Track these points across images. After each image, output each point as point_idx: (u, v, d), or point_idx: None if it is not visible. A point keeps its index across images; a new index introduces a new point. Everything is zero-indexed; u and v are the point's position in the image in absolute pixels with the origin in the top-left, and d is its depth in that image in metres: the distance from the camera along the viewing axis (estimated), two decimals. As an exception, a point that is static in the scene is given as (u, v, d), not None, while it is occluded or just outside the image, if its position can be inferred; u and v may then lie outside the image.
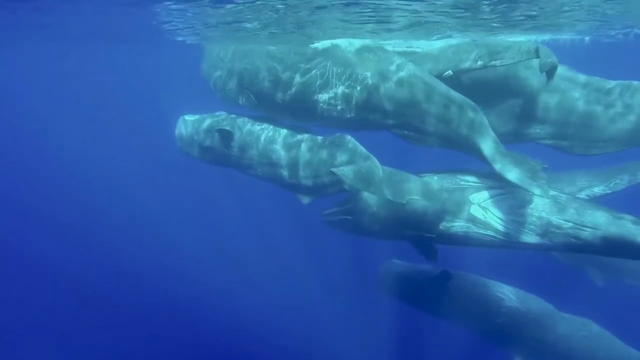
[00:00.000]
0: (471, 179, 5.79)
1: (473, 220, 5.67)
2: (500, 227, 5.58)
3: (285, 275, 13.39)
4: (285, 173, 6.38)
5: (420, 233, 5.95)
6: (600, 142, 6.18)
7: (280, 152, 6.33)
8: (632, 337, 7.42)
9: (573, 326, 7.14)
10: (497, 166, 5.47)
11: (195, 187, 16.05)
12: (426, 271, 7.53)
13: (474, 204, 5.67)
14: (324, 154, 6.07)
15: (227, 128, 6.67)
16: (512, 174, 5.36)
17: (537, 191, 5.17)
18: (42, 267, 14.84)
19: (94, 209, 17.19)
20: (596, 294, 8.19)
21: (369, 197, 6.17)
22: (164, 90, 18.44)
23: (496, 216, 5.59)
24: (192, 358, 12.68)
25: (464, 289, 7.27)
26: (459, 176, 5.85)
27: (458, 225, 5.73)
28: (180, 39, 9.50)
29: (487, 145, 5.51)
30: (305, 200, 6.39)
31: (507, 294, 7.13)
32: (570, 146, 6.31)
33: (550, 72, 5.50)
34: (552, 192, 5.52)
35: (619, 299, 8.74)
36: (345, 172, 5.62)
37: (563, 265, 8.42)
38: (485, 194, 5.68)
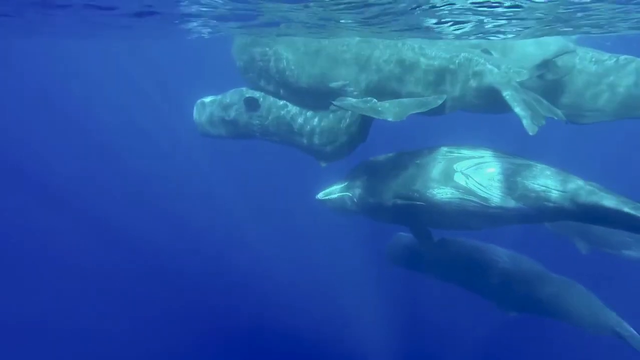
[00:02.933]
0: (457, 150, 6.41)
1: (456, 186, 6.17)
2: (480, 192, 6.03)
3: (296, 254, 14.01)
4: (305, 140, 7.17)
5: (411, 201, 6.49)
6: (592, 112, 6.68)
7: (300, 120, 7.15)
8: (609, 299, 8.25)
9: (561, 285, 7.87)
10: (507, 93, 5.98)
11: (204, 178, 16.60)
12: None
13: (457, 171, 6.22)
14: (341, 120, 6.95)
15: (254, 97, 7.38)
16: (517, 105, 5.76)
17: (526, 124, 5.52)
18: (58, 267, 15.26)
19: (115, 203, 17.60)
20: (581, 261, 9.07)
21: (363, 175, 7.01)
22: (174, 81, 18.92)
23: (477, 182, 6.08)
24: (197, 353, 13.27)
25: (461, 253, 8.00)
26: (446, 148, 6.52)
27: (442, 192, 6.23)
28: (194, 31, 9.89)
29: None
30: (323, 164, 7.24)
31: (501, 256, 7.87)
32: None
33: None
34: (529, 162, 6.01)
35: (601, 266, 9.57)
36: (347, 102, 6.35)
37: (552, 235, 9.35)
38: (468, 162, 6.22)
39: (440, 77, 6.44)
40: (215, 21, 7.95)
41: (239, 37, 7.97)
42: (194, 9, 7.15)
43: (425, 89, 6.47)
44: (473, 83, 6.39)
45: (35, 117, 21.03)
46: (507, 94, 6.01)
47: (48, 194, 17.32)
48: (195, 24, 8.61)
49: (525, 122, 5.63)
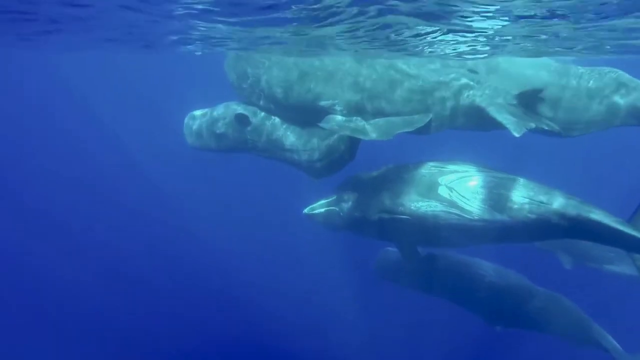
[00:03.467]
0: (442, 165, 6.50)
1: (440, 199, 6.23)
2: (463, 205, 6.10)
3: (286, 267, 14.05)
4: (295, 156, 7.21)
5: (395, 215, 6.54)
6: (581, 124, 6.84)
7: (291, 137, 7.21)
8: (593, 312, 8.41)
9: (546, 299, 7.97)
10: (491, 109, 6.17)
11: (198, 187, 16.62)
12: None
13: (441, 185, 6.30)
14: (329, 137, 7.03)
15: (244, 113, 7.39)
16: (501, 115, 6.01)
17: (512, 128, 5.73)
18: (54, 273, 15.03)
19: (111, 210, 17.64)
20: (565, 275, 9.25)
21: (352, 190, 7.07)
22: (165, 94, 19.03)
23: (460, 194, 6.15)
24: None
25: (448, 268, 8.05)
26: (431, 164, 6.61)
27: (426, 205, 6.28)
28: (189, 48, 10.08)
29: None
30: (316, 180, 7.31)
31: (488, 270, 7.97)
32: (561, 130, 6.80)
33: None
34: (513, 176, 6.11)
35: (584, 280, 9.77)
36: (333, 124, 6.48)
37: (536, 249, 9.52)
38: (452, 176, 6.31)
39: (427, 97, 6.56)
40: (209, 42, 8.05)
41: (231, 52, 8.06)
42: (190, 34, 7.33)
43: (412, 108, 6.58)
44: (459, 103, 6.54)
45: (27, 126, 21.18)
46: (491, 109, 6.21)
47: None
48: (191, 47, 8.74)
49: (511, 126, 5.81)
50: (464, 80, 6.58)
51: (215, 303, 13.91)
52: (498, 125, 6.23)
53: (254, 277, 14.32)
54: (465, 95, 6.51)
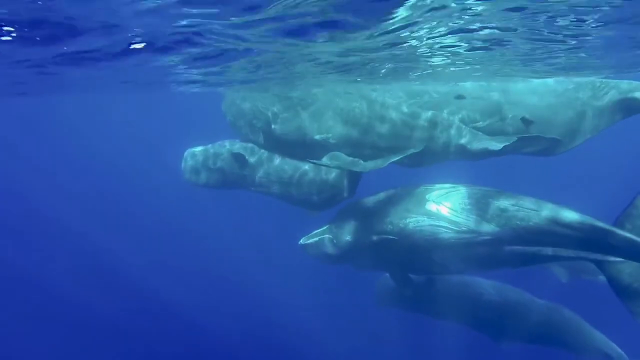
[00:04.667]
0: (431, 186, 6.59)
1: (427, 213, 6.23)
2: (451, 217, 6.08)
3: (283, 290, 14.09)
4: (294, 191, 7.42)
5: (385, 235, 6.50)
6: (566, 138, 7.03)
7: (289, 171, 7.45)
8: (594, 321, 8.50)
9: (548, 311, 8.12)
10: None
11: (195, 208, 16.81)
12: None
13: (429, 200, 6.32)
14: (324, 172, 7.25)
15: (241, 152, 7.66)
16: (481, 144, 6.32)
17: (492, 145, 6.04)
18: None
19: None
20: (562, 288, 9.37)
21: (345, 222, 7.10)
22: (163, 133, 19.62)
23: (448, 207, 6.15)
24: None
25: (447, 290, 8.09)
26: (422, 186, 6.69)
27: (414, 220, 6.27)
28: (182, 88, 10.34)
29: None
30: (314, 214, 7.49)
31: (487, 288, 8.10)
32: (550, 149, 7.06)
33: None
34: (502, 190, 6.20)
35: (583, 291, 9.88)
36: (327, 159, 6.62)
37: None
38: (440, 192, 6.37)
39: (417, 132, 6.77)
40: (205, 82, 8.40)
41: (229, 93, 8.35)
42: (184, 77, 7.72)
43: (403, 143, 6.76)
44: (445, 140, 6.76)
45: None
46: (474, 147, 6.46)
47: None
48: (184, 87, 9.10)
49: (490, 145, 6.04)
50: (449, 119, 6.77)
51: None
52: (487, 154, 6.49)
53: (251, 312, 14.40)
54: (449, 134, 6.72)
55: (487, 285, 8.20)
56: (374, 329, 11.64)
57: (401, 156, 6.57)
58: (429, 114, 6.78)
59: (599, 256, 6.12)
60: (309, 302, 13.60)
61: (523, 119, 6.86)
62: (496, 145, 6.20)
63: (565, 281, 9.63)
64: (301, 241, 7.50)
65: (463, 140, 6.64)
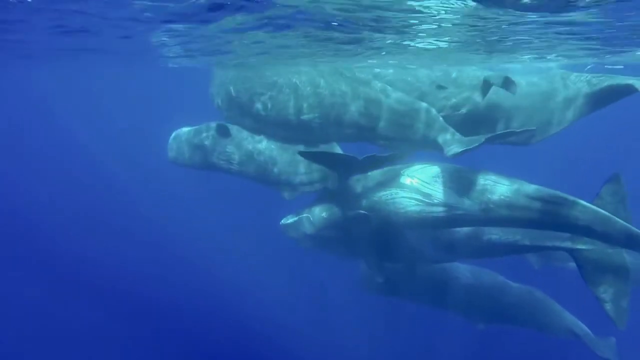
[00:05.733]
0: (408, 164, 6.65)
1: (400, 186, 6.31)
2: (424, 189, 6.17)
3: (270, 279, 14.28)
4: (275, 170, 7.52)
5: (358, 211, 6.60)
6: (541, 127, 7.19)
7: (272, 152, 7.59)
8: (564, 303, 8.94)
9: (520, 293, 8.55)
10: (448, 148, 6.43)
11: (188, 196, 16.84)
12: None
13: (403, 175, 6.42)
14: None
15: (224, 123, 7.68)
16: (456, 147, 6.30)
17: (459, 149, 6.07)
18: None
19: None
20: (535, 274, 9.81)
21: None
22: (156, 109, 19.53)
23: (421, 179, 6.27)
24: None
25: (425, 275, 8.43)
26: (399, 166, 6.73)
27: (387, 193, 6.37)
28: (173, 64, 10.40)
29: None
30: (287, 196, 7.54)
31: (463, 272, 8.47)
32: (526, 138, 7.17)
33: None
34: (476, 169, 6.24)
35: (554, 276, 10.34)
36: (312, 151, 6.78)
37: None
38: (415, 167, 6.47)
39: (400, 119, 6.96)
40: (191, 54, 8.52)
41: (216, 74, 8.37)
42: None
43: (387, 127, 6.98)
44: (423, 133, 6.92)
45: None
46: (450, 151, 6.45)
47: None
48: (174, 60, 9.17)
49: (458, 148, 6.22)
50: (429, 113, 6.88)
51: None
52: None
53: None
54: (429, 129, 6.85)
55: (464, 269, 8.56)
56: (369, 324, 11.89)
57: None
58: (422, 107, 6.94)
59: (569, 244, 6.64)
60: (301, 299, 13.76)
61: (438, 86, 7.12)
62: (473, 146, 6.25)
63: (538, 268, 10.09)
64: (282, 221, 7.58)
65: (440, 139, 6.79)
